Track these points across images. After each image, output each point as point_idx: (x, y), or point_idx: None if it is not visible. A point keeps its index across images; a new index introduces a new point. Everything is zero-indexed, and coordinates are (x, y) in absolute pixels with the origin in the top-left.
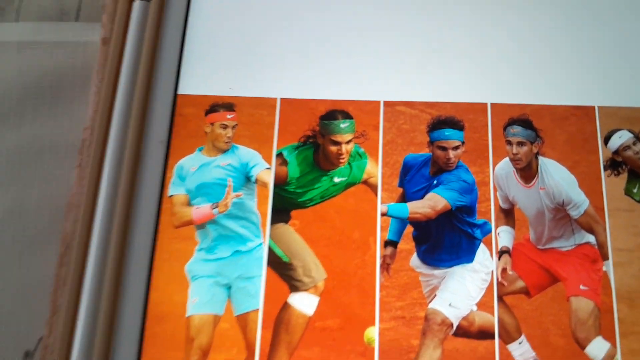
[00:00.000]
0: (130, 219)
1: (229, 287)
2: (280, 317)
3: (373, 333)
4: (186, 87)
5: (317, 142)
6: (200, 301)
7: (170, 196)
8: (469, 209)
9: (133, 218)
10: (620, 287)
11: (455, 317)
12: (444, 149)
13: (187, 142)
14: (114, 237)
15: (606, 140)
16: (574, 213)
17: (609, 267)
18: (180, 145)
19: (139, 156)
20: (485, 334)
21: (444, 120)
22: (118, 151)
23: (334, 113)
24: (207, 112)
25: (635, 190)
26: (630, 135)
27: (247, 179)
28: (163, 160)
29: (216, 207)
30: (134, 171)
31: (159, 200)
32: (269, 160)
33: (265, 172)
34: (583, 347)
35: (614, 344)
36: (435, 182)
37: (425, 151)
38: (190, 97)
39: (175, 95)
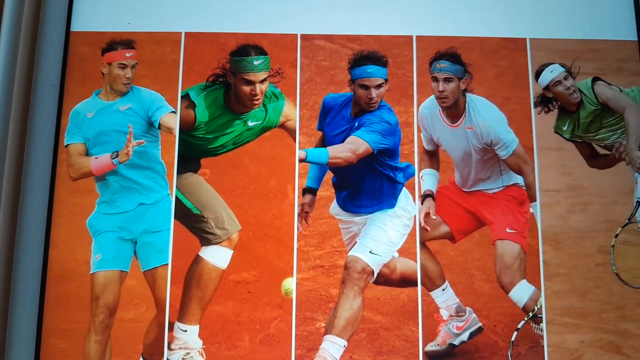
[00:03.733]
0: (22, 172)
1: (134, 242)
2: (191, 272)
3: (290, 284)
4: (80, 23)
5: (228, 81)
6: (105, 257)
7: (67, 146)
8: (392, 152)
9: (26, 171)
10: (547, 228)
11: (376, 264)
12: (366, 87)
13: (82, 85)
14: (6, 191)
15: (537, 75)
16: (503, 153)
17: (536, 208)
18: (75, 89)
19: (28, 102)
20: (407, 281)
21: (367, 56)
22: (5, 98)
23: (246, 48)
24: (104, 51)
25: (565, 128)
26: (562, 69)
27: (150, 124)
28: (56, 106)
29: (116, 156)
30: (23, 119)
31: (53, 150)
32: (173, 103)
33: (170, 115)
34: (507, 292)
35: (538, 287)
36: (356, 124)
37: (346, 90)
38: (85, 34)
39: (68, 32)
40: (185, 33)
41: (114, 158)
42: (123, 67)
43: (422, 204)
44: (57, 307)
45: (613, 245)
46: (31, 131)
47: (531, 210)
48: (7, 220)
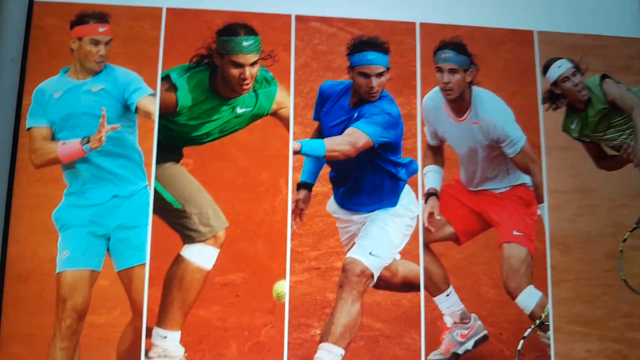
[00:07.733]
0: None
1: (107, 239)
2: (172, 273)
3: (283, 287)
4: None
5: (214, 63)
6: (73, 255)
7: (29, 129)
8: (394, 146)
9: None
10: (555, 232)
11: (376, 267)
12: (367, 75)
13: (48, 61)
14: None
15: (545, 69)
16: (510, 151)
17: (544, 210)
18: (39, 65)
19: None
20: (409, 286)
21: (367, 42)
22: None
23: (234, 27)
24: (73, 24)
25: (573, 127)
26: (571, 65)
27: (126, 107)
28: (17, 83)
29: (87, 142)
30: None
31: (14, 134)
32: (153, 85)
33: (149, 98)
34: (514, 298)
35: (545, 293)
36: (355, 114)
37: (345, 78)
38: (51, 4)
39: (31, 2)
40: (167, 9)
41: (84, 144)
42: (95, 43)
43: (425, 202)
44: (17, 310)
45: (621, 251)
46: None
47: (539, 212)
48: None
